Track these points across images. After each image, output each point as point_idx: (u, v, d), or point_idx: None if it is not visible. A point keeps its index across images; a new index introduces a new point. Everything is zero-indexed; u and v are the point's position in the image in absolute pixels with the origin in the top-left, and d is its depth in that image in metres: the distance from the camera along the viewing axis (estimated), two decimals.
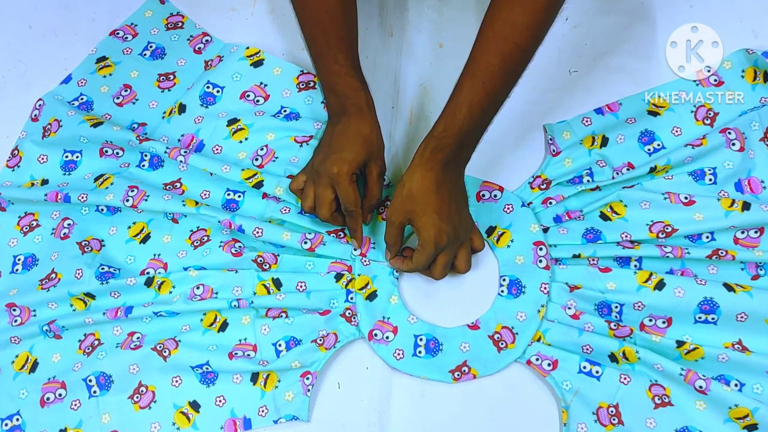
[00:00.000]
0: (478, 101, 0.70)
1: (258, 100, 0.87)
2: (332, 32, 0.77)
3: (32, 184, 0.86)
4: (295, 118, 0.86)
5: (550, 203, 0.80)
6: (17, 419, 0.75)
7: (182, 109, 0.88)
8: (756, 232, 0.76)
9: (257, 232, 0.78)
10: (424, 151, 0.71)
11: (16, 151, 0.88)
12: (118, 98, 0.90)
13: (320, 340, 0.75)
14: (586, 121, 0.84)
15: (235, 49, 0.91)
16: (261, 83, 0.88)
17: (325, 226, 0.80)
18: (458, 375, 0.73)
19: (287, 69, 0.88)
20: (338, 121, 0.76)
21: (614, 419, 0.71)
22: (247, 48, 0.90)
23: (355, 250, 0.79)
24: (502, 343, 0.74)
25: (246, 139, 0.85)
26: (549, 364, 0.73)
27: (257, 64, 0.89)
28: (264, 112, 0.86)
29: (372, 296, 0.77)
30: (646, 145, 0.82)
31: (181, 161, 0.83)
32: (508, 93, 0.72)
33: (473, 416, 0.73)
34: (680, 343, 0.72)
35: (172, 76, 0.91)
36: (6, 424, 0.75)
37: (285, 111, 0.87)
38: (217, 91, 0.88)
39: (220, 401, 0.74)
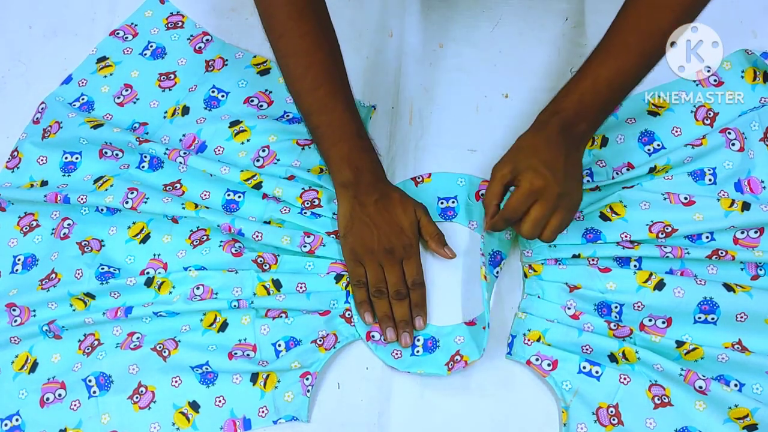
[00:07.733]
0: (605, 76, 0.69)
1: (261, 105, 0.88)
2: (350, 99, 0.75)
3: (31, 186, 0.86)
4: (297, 122, 0.86)
5: None
6: (17, 419, 0.75)
7: (185, 111, 0.88)
8: (756, 232, 0.76)
9: (257, 236, 0.78)
10: (541, 115, 0.70)
11: (15, 153, 0.88)
12: (119, 98, 0.90)
13: (320, 340, 0.75)
14: None
15: (240, 55, 0.91)
16: (266, 90, 0.88)
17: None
18: (451, 365, 0.73)
19: None
20: (372, 193, 0.76)
21: (614, 419, 0.71)
22: (254, 56, 0.91)
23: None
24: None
25: (248, 140, 0.85)
26: (549, 364, 0.73)
27: (264, 72, 0.90)
28: (267, 116, 0.86)
29: None
30: (646, 145, 0.82)
31: (180, 162, 0.83)
32: (640, 76, 0.71)
33: (473, 416, 0.73)
34: (680, 343, 0.72)
35: (172, 76, 0.91)
36: (6, 425, 0.75)
37: (288, 116, 0.87)
38: (222, 96, 0.88)
39: (219, 401, 0.74)
